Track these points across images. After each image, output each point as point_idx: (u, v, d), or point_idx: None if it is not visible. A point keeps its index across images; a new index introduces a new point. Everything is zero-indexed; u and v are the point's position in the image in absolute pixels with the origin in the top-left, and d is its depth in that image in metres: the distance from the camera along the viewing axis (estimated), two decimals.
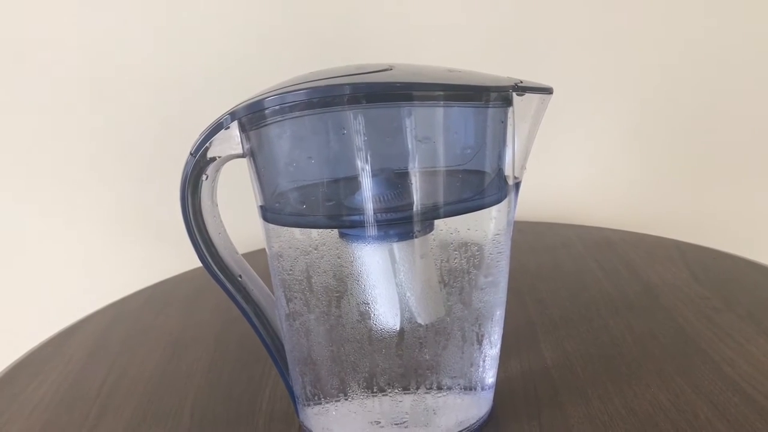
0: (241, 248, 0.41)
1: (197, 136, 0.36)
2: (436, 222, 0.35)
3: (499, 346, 0.39)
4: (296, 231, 0.36)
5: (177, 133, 0.71)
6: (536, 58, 0.75)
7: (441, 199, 0.34)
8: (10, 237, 0.76)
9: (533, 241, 0.70)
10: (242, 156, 0.36)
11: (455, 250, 0.36)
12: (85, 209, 0.76)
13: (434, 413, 0.37)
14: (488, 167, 0.35)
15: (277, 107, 0.33)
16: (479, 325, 0.37)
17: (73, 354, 0.54)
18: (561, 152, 0.78)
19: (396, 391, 0.37)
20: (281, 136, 0.34)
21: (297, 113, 0.33)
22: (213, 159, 0.36)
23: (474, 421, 0.39)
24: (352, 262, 0.35)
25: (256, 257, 0.44)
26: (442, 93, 0.33)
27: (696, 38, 0.75)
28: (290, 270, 0.37)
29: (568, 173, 0.80)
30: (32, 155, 0.74)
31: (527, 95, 0.34)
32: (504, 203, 0.36)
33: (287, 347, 0.39)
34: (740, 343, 0.47)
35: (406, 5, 0.73)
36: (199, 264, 0.39)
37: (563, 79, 0.76)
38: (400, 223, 0.34)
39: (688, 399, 0.40)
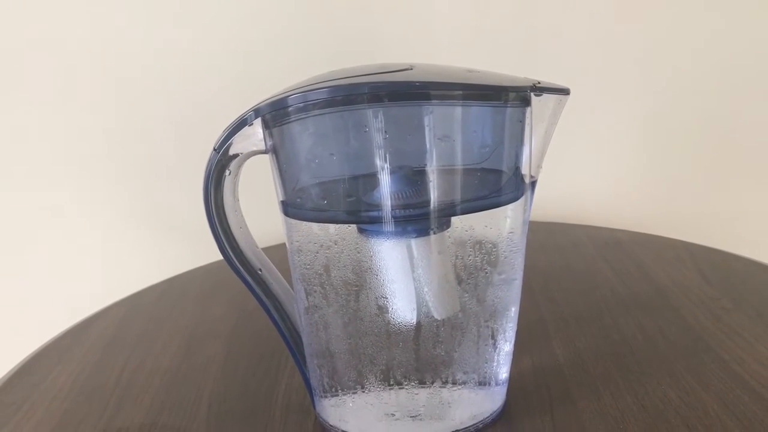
0: (261, 243, 0.42)
1: (221, 133, 0.37)
2: (453, 219, 0.36)
3: (513, 342, 0.40)
4: (316, 226, 0.37)
5: (194, 129, 0.72)
6: (550, 60, 0.75)
7: (458, 197, 0.35)
8: (29, 231, 0.77)
9: (544, 241, 0.71)
10: (264, 152, 0.37)
11: (471, 247, 0.37)
12: (102, 203, 0.77)
13: (449, 407, 0.38)
14: (505, 166, 0.36)
15: (301, 105, 0.34)
16: (494, 321, 0.38)
17: (91, 345, 0.55)
18: (572, 153, 0.79)
19: (412, 384, 0.37)
20: (304, 133, 0.35)
21: (320, 111, 0.34)
22: (236, 155, 0.37)
23: (487, 415, 0.39)
24: (370, 257, 0.36)
25: (276, 252, 0.44)
26: (461, 92, 0.34)
27: (708, 38, 0.75)
28: (310, 264, 0.37)
29: (579, 174, 0.81)
30: (50, 151, 0.75)
31: (545, 96, 0.35)
32: (520, 202, 0.37)
33: (305, 340, 0.40)
34: (749, 342, 0.47)
35: (427, 7, 0.74)
36: (214, 258, 0.39)
37: (575, 80, 0.76)
38: (418, 219, 0.35)
39: (699, 396, 0.41)
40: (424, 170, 0.34)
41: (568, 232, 0.74)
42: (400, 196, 0.34)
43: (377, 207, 0.34)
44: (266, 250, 0.42)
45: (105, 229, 0.78)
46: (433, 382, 0.38)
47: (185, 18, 0.72)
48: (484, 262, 0.37)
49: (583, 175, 0.81)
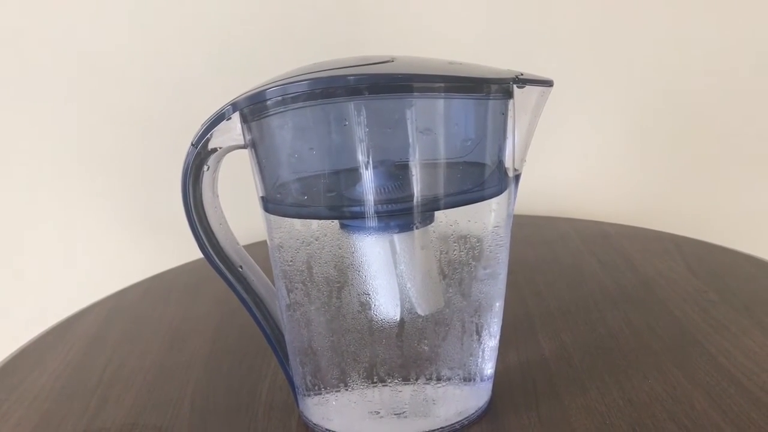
0: (242, 240, 0.41)
1: (199, 127, 0.36)
2: (437, 214, 0.35)
3: (498, 337, 0.40)
4: (297, 222, 0.36)
5: (177, 125, 0.71)
6: (537, 51, 0.75)
7: (441, 191, 0.34)
8: (10, 229, 0.76)
9: (531, 235, 0.71)
10: (243, 147, 0.36)
11: (455, 242, 0.36)
12: (84, 201, 0.76)
13: (433, 403, 0.38)
14: (488, 159, 0.35)
15: (279, 98, 0.33)
16: (479, 316, 0.38)
17: (72, 345, 0.54)
18: (559, 146, 0.78)
19: (396, 381, 0.37)
20: (283, 127, 0.34)
21: (299, 104, 0.33)
22: (214, 150, 0.36)
23: (473, 411, 0.39)
24: (352, 253, 0.35)
25: (257, 249, 0.44)
26: (443, 85, 0.33)
27: (701, 32, 0.75)
28: (291, 261, 0.37)
29: (566, 167, 0.80)
30: (31, 148, 0.74)
31: (528, 87, 0.34)
32: (504, 195, 0.36)
33: (287, 338, 0.40)
34: (736, 334, 0.47)
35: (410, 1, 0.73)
36: (198, 256, 0.39)
37: (564, 72, 0.75)
38: (400, 214, 0.34)
39: (685, 390, 0.41)
40: (406, 164, 0.34)
41: (555, 225, 0.74)
42: (382, 190, 0.34)
43: (359, 202, 0.34)
44: (248, 247, 0.41)
45: (88, 226, 0.77)
46: (417, 379, 0.37)
47: (168, 11, 0.71)
48: (469, 256, 0.36)
49: (571, 168, 0.81)
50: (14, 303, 0.78)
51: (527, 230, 0.72)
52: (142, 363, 0.50)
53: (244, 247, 0.41)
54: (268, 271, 0.40)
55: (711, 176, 0.81)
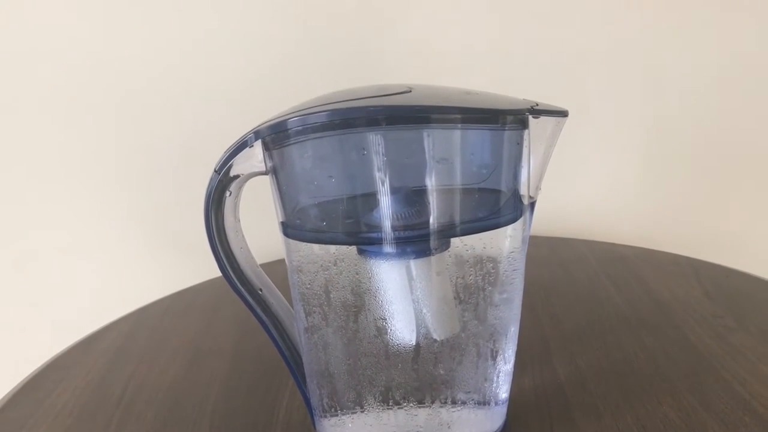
0: (263, 258, 0.42)
1: (221, 154, 0.37)
2: (452, 240, 0.36)
3: (512, 361, 0.40)
4: (316, 247, 0.37)
5: (201, 146, 0.72)
6: (552, 76, 0.75)
7: (457, 218, 0.35)
8: (35, 245, 0.78)
9: (547, 256, 0.71)
10: (265, 173, 0.37)
11: (471, 268, 0.37)
12: (108, 218, 0.78)
13: (448, 427, 0.38)
14: (504, 187, 0.36)
15: (300, 128, 0.34)
16: (493, 341, 0.38)
17: (95, 361, 0.55)
18: (576, 168, 0.79)
19: (411, 404, 0.37)
20: (303, 156, 0.35)
21: (318, 134, 0.34)
22: (236, 176, 0.37)
23: None
24: (369, 278, 0.36)
25: (276, 267, 0.45)
26: (459, 116, 0.34)
27: (710, 53, 0.75)
28: (309, 284, 0.38)
29: (583, 189, 0.81)
30: (57, 163, 0.75)
31: (543, 118, 0.35)
32: (519, 222, 0.37)
33: (305, 360, 0.40)
34: (752, 362, 0.47)
35: (426, 28, 0.74)
36: (218, 274, 0.40)
37: (578, 96, 0.76)
38: (417, 240, 0.35)
39: (699, 417, 0.41)
40: (423, 192, 0.34)
41: (572, 247, 0.74)
42: (399, 217, 0.34)
43: (376, 228, 0.34)
44: (268, 265, 0.42)
45: (111, 243, 0.79)
46: (432, 403, 0.38)
47: (195, 38, 0.73)
48: (484, 282, 0.37)
49: (587, 189, 0.81)
50: (36, 319, 0.80)
51: (544, 251, 0.72)
52: (163, 380, 0.51)
53: (264, 265, 0.42)
54: (285, 290, 0.41)
55: (730, 200, 0.81)
